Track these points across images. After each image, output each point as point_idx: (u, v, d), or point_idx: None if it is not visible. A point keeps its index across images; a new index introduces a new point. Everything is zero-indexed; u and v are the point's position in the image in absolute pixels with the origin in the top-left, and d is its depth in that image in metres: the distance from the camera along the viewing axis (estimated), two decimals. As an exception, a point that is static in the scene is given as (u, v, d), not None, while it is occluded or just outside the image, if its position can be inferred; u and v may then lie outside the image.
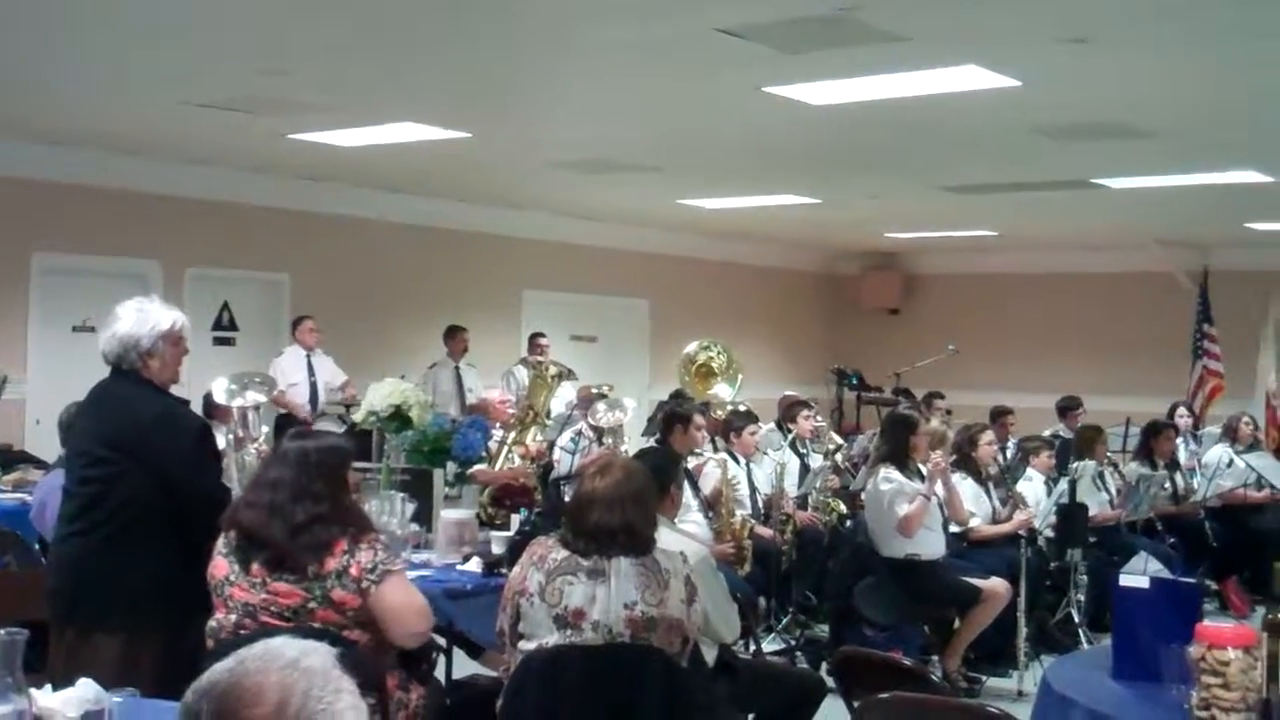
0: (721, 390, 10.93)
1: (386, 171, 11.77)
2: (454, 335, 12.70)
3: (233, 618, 4.07)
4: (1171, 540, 9.77)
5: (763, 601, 8.29)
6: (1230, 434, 11.26)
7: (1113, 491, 9.63)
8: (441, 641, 5.16)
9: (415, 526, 5.72)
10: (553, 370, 8.71)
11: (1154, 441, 10.35)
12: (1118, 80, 7.63)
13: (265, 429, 5.93)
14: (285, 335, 12.03)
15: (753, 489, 8.66)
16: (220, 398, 5.76)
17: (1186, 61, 7.18)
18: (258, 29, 6.99)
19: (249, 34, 7.09)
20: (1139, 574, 4.08)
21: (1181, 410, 12.62)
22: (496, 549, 5.47)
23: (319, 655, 1.74)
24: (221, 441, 5.22)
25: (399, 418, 5.87)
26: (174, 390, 4.74)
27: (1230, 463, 10.70)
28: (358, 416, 6.07)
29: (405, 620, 4.08)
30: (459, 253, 13.96)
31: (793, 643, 8.27)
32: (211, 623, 4.12)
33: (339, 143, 10.11)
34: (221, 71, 7.97)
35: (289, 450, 4.24)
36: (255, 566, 4.05)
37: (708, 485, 8.08)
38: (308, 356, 11.57)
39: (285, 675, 1.69)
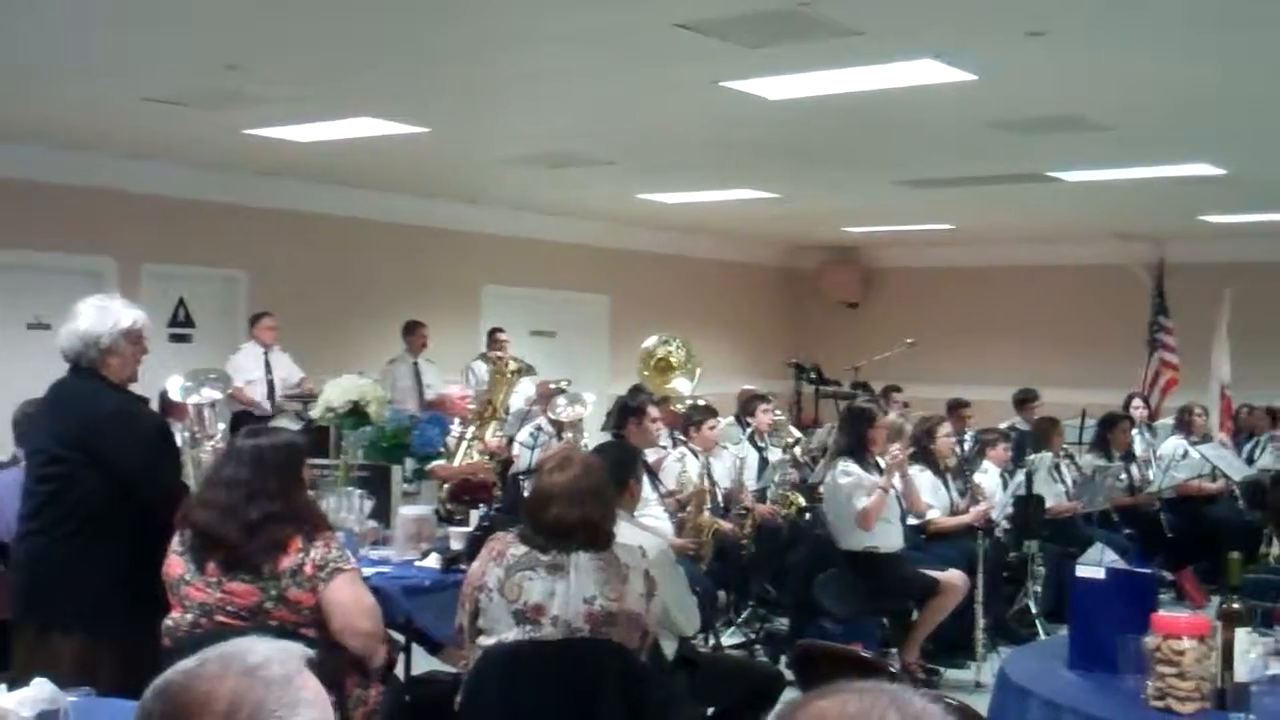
0: (680, 384, 10.92)
1: (344, 167, 11.72)
2: (413, 331, 12.66)
3: (189, 617, 4.05)
4: (1127, 531, 9.85)
5: (722, 595, 8.31)
6: (1184, 426, 11.35)
7: (1069, 483, 9.70)
8: (400, 638, 5.14)
9: (373, 523, 5.71)
10: (512, 366, 8.68)
11: (1110, 433, 10.43)
12: (1073, 74, 7.67)
13: (221, 426, 5.91)
14: (242, 332, 11.96)
15: (712, 483, 8.67)
16: (176, 395, 5.74)
17: (1142, 55, 7.22)
18: (213, 23, 6.94)
19: (204, 28, 7.04)
20: (1095, 564, 4.11)
21: (1137, 402, 12.72)
22: (455, 545, 5.45)
23: (284, 664, 1.68)
24: (178, 439, 5.19)
25: (356, 414, 5.85)
26: (131, 388, 4.71)
27: (1185, 454, 10.79)
28: (315, 413, 6.05)
29: (351, 618, 4.06)
30: (418, 248, 13.91)
31: (752, 636, 8.30)
32: (168, 621, 4.10)
33: (296, 138, 10.05)
34: (177, 66, 7.91)
35: (243, 448, 4.22)
36: (211, 566, 4.04)
37: (669, 479, 8.08)
38: (265, 353, 11.50)
39: (240, 683, 1.64)
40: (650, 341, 11.28)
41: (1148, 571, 4.39)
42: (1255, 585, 4.22)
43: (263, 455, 4.16)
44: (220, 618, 4.02)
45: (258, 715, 1.61)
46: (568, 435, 8.57)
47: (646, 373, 11.13)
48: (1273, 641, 3.84)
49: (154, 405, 5.51)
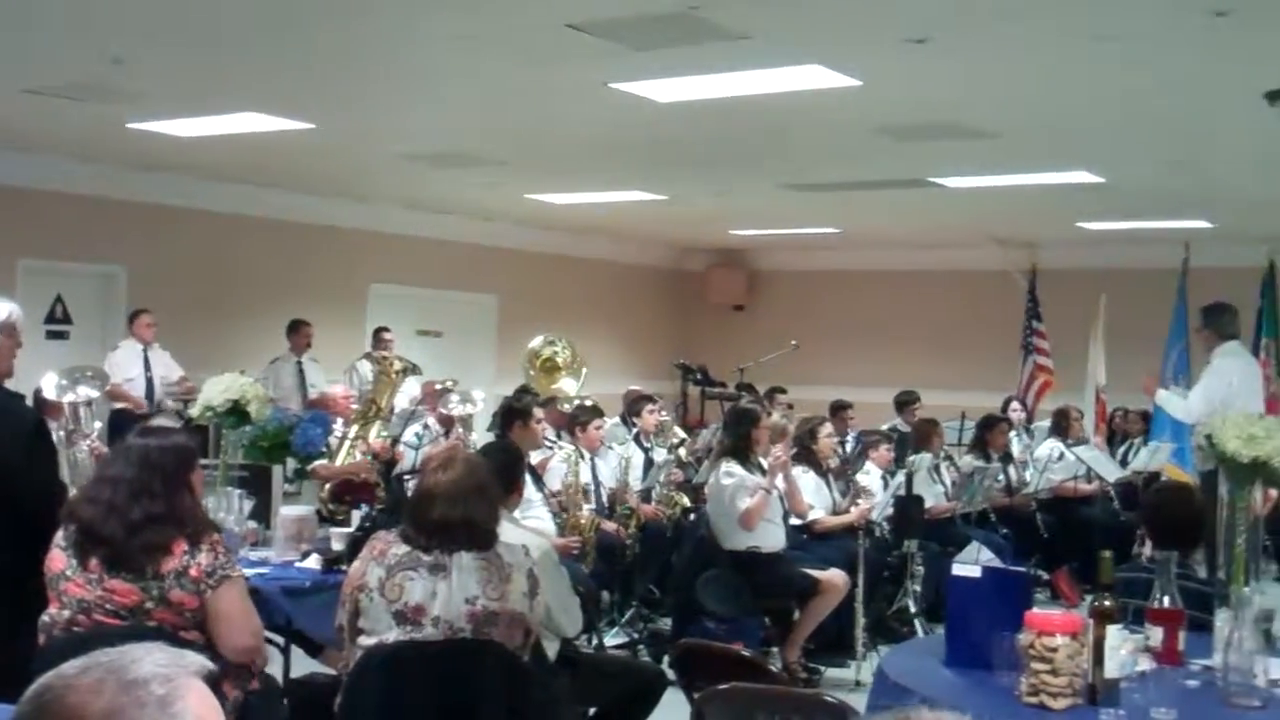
0: (566, 385, 10.94)
1: (228, 162, 11.56)
2: (297, 329, 12.53)
3: (66, 613, 3.99)
4: (1004, 531, 10.02)
5: (606, 595, 8.32)
6: (1061, 429, 11.55)
7: (948, 484, 9.85)
8: (280, 640, 5.09)
9: (253, 523, 5.64)
10: (397, 365, 8.63)
11: (988, 435, 10.62)
12: (956, 81, 7.79)
13: (98, 424, 5.82)
14: (121, 329, 11.75)
15: (597, 483, 8.68)
16: (51, 393, 5.63)
17: (1022, 64, 7.36)
18: (93, 14, 6.81)
19: (87, 20, 6.91)
20: (971, 563, 4.17)
21: (1015, 405, 12.97)
22: (336, 545, 5.41)
23: (166, 683, 1.62)
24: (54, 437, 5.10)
25: (236, 413, 5.78)
26: (6, 384, 4.63)
27: (1061, 456, 11.01)
28: (194, 411, 5.97)
29: (233, 632, 4.06)
30: (303, 246, 13.76)
31: (636, 636, 8.32)
32: (44, 617, 4.04)
33: (178, 132, 9.90)
34: (57, 58, 7.75)
35: (131, 447, 4.18)
36: (92, 562, 3.98)
37: (554, 480, 8.08)
38: (144, 351, 11.32)
39: (117, 699, 1.59)
40: (535, 342, 11.29)
41: (1022, 570, 4.48)
42: (1127, 584, 4.31)
43: (149, 455, 4.13)
44: (99, 616, 3.97)
45: None
46: (458, 431, 8.53)
47: (533, 373, 11.14)
48: (1143, 639, 3.93)
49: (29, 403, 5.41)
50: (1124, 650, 3.58)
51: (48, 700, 1.61)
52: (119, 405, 10.80)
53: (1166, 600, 3.95)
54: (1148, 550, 4.80)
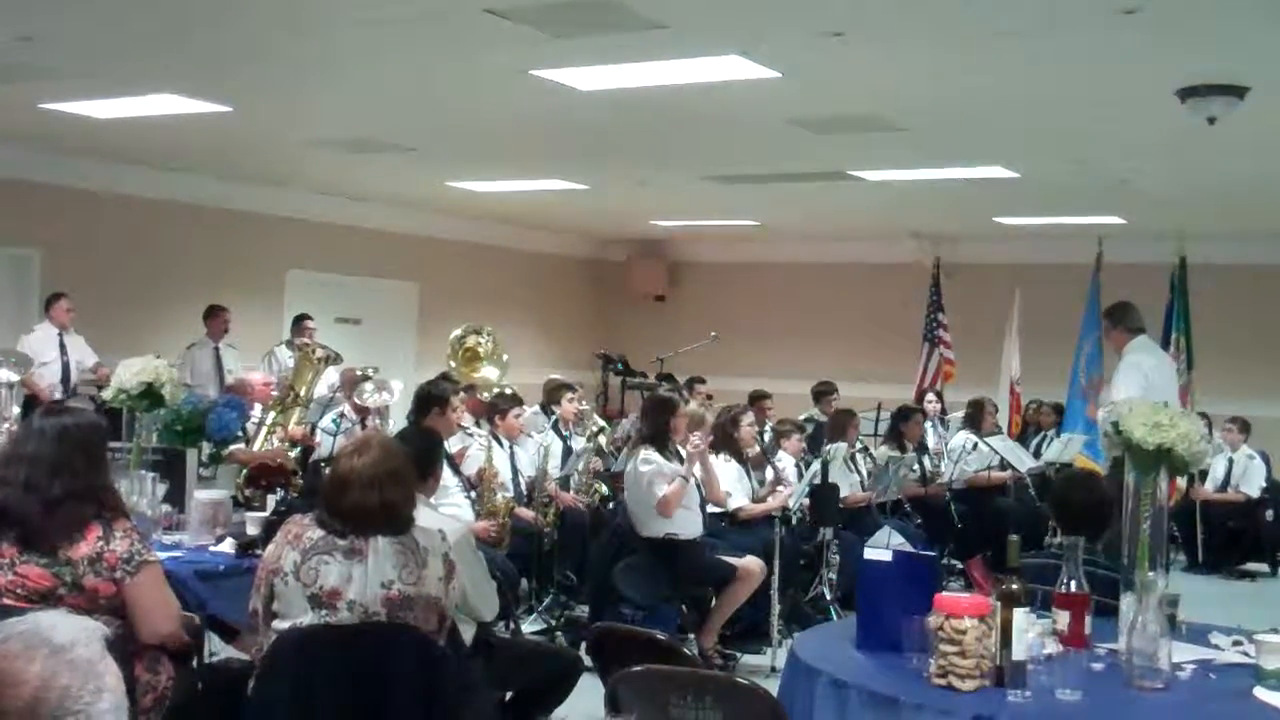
0: (488, 373, 10.94)
1: (145, 145, 11.42)
2: (214, 315, 12.42)
3: (-24, 598, 3.93)
4: (919, 521, 10.13)
5: (524, 582, 8.33)
6: (974, 421, 11.63)
7: (864, 473, 9.94)
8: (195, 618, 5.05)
9: (166, 508, 5.59)
10: (319, 353, 8.59)
11: (904, 426, 10.73)
12: (873, 75, 7.86)
13: (15, 410, 5.76)
14: (34, 313, 11.60)
15: (515, 471, 8.68)
16: (-30, 375, 5.57)
17: (936, 59, 7.44)
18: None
19: (-5, -4, 6.83)
20: (882, 547, 4.23)
21: (930, 396, 13.12)
22: (251, 530, 5.38)
23: (88, 646, 1.65)
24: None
25: (150, 395, 5.72)
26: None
27: (975, 446, 11.14)
28: (108, 394, 5.90)
29: (154, 618, 4.03)
30: (220, 231, 13.63)
31: (553, 623, 8.33)
32: (-44, 601, 3.98)
33: (93, 114, 9.78)
34: (-36, 35, 7.63)
35: (46, 425, 4.14)
36: (4, 547, 3.93)
37: (471, 469, 8.06)
38: (60, 335, 11.17)
39: (48, 665, 1.60)
40: (457, 332, 11.28)
41: (931, 554, 4.54)
42: (1036, 569, 4.37)
43: (67, 431, 4.11)
44: (8, 601, 3.91)
45: (65, 701, 1.58)
46: (374, 422, 8.50)
47: (454, 361, 11.13)
48: (1050, 622, 3.99)
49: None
50: (1031, 633, 3.64)
51: None
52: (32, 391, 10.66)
53: (1073, 585, 4.02)
54: (1060, 539, 4.87)
